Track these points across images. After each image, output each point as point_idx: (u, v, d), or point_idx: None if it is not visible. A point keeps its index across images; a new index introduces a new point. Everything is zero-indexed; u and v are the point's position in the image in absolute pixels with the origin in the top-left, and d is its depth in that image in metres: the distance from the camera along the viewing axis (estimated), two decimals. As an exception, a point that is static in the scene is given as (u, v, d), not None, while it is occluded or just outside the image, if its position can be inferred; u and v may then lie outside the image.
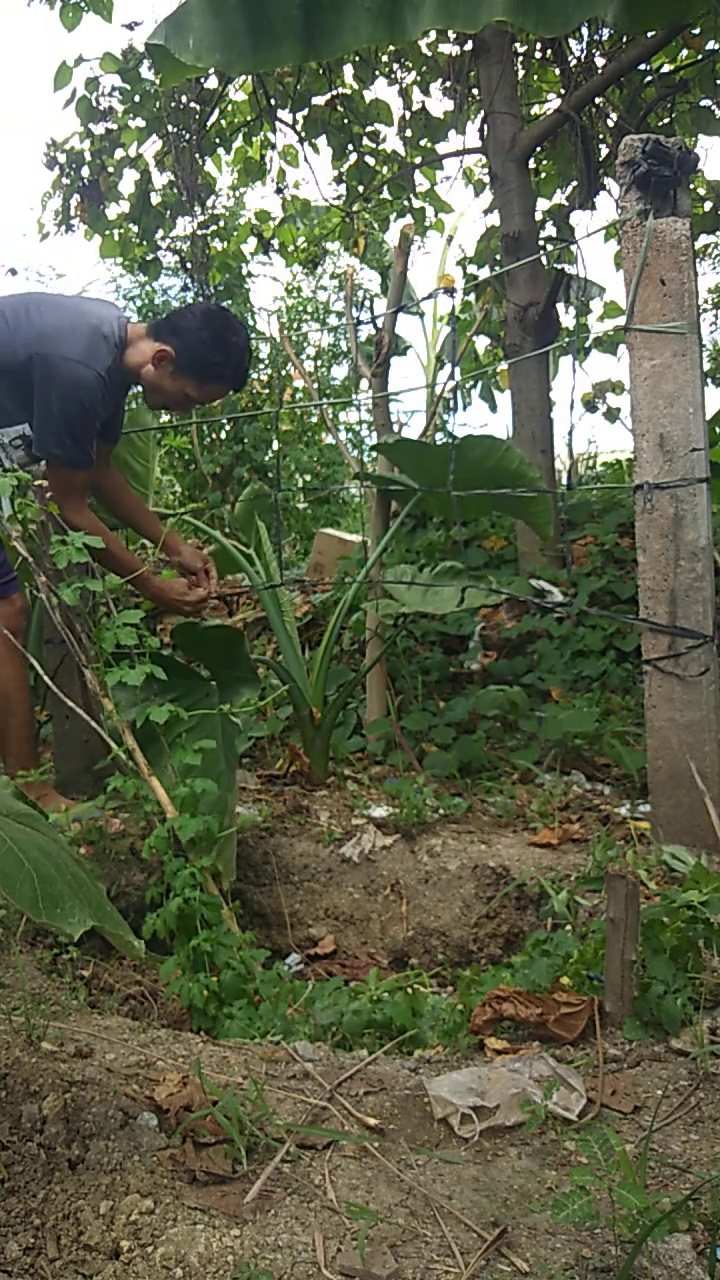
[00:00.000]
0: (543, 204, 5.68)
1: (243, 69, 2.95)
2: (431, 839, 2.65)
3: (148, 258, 6.28)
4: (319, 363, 9.31)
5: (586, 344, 5.92)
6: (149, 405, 2.71)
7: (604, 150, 4.99)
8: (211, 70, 5.44)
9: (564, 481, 5.63)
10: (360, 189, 6.12)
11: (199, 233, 6.11)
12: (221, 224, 6.84)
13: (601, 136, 5.08)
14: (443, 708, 3.47)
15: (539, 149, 5.01)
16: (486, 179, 5.42)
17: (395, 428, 4.18)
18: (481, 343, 7.16)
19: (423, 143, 5.80)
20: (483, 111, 4.55)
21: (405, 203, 6.14)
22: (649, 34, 3.99)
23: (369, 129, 5.87)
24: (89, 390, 2.40)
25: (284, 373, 7.11)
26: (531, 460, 3.37)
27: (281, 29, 2.77)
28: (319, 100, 5.69)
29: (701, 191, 5.57)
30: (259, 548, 3.31)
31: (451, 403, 7.42)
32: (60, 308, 2.49)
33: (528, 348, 4.31)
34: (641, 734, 2.65)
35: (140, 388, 2.63)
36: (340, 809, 2.86)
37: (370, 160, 6.02)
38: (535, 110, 5.86)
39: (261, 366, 7.00)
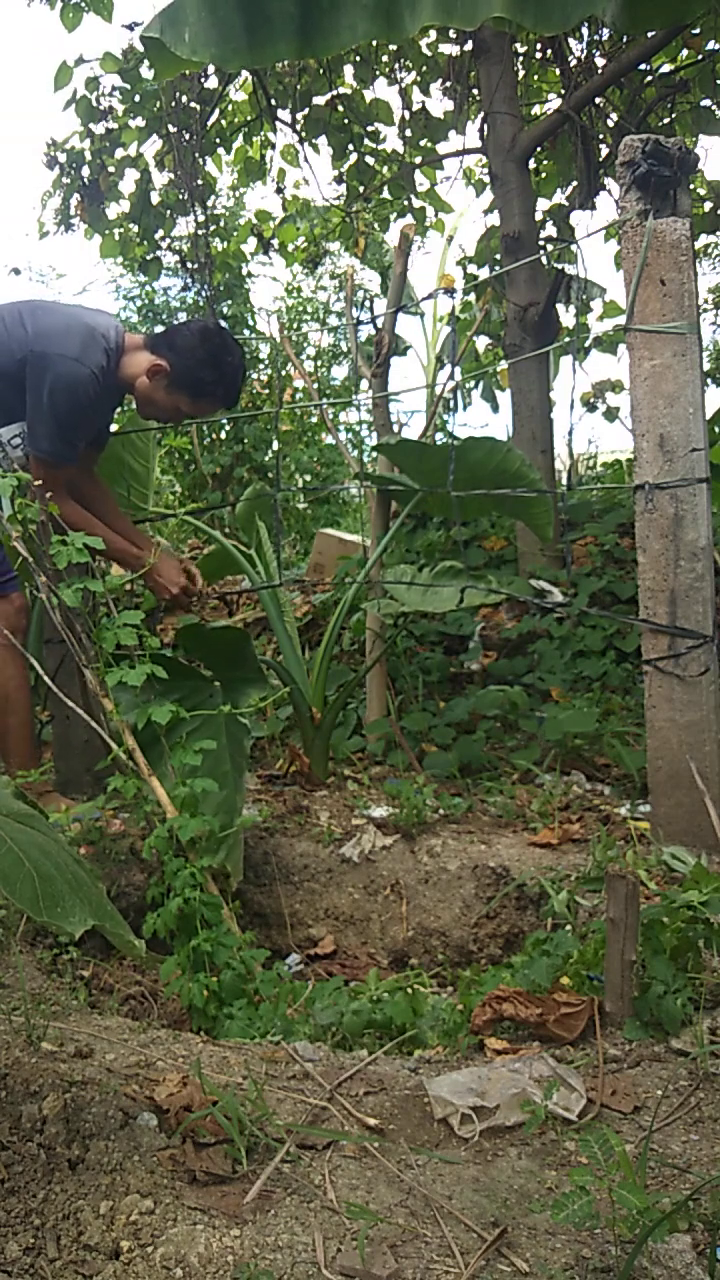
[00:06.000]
0: (543, 204, 5.68)
1: (239, 64, 2.93)
2: (431, 839, 2.65)
3: (148, 258, 6.27)
4: (319, 363, 9.31)
5: (586, 344, 5.91)
6: (140, 415, 2.72)
7: (604, 150, 4.99)
8: (211, 69, 5.46)
9: (564, 481, 5.63)
10: (360, 189, 6.12)
11: (199, 233, 6.10)
12: (221, 224, 6.84)
13: (601, 136, 5.08)
14: (443, 708, 3.47)
15: (539, 149, 5.01)
16: (486, 179, 5.42)
17: (395, 428, 4.18)
18: (481, 343, 7.15)
19: (423, 143, 5.80)
20: (483, 111, 4.55)
21: (405, 203, 6.13)
22: (649, 34, 3.99)
23: (369, 129, 5.87)
24: (82, 386, 2.41)
25: (284, 373, 7.11)
26: (531, 460, 3.36)
27: (278, 24, 2.75)
28: (319, 100, 5.69)
29: (701, 191, 5.57)
30: (259, 548, 3.31)
31: (452, 403, 7.42)
32: (56, 312, 2.50)
33: (528, 348, 4.31)
34: (641, 734, 2.65)
35: (133, 398, 2.64)
36: (340, 809, 2.86)
37: (370, 160, 6.01)
38: (535, 110, 5.85)
39: (261, 366, 7.00)
